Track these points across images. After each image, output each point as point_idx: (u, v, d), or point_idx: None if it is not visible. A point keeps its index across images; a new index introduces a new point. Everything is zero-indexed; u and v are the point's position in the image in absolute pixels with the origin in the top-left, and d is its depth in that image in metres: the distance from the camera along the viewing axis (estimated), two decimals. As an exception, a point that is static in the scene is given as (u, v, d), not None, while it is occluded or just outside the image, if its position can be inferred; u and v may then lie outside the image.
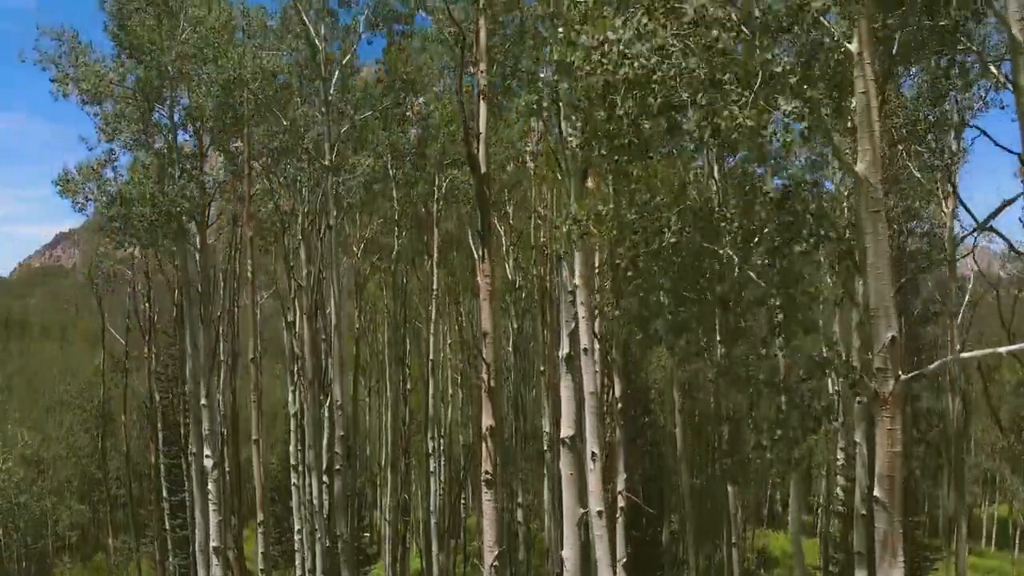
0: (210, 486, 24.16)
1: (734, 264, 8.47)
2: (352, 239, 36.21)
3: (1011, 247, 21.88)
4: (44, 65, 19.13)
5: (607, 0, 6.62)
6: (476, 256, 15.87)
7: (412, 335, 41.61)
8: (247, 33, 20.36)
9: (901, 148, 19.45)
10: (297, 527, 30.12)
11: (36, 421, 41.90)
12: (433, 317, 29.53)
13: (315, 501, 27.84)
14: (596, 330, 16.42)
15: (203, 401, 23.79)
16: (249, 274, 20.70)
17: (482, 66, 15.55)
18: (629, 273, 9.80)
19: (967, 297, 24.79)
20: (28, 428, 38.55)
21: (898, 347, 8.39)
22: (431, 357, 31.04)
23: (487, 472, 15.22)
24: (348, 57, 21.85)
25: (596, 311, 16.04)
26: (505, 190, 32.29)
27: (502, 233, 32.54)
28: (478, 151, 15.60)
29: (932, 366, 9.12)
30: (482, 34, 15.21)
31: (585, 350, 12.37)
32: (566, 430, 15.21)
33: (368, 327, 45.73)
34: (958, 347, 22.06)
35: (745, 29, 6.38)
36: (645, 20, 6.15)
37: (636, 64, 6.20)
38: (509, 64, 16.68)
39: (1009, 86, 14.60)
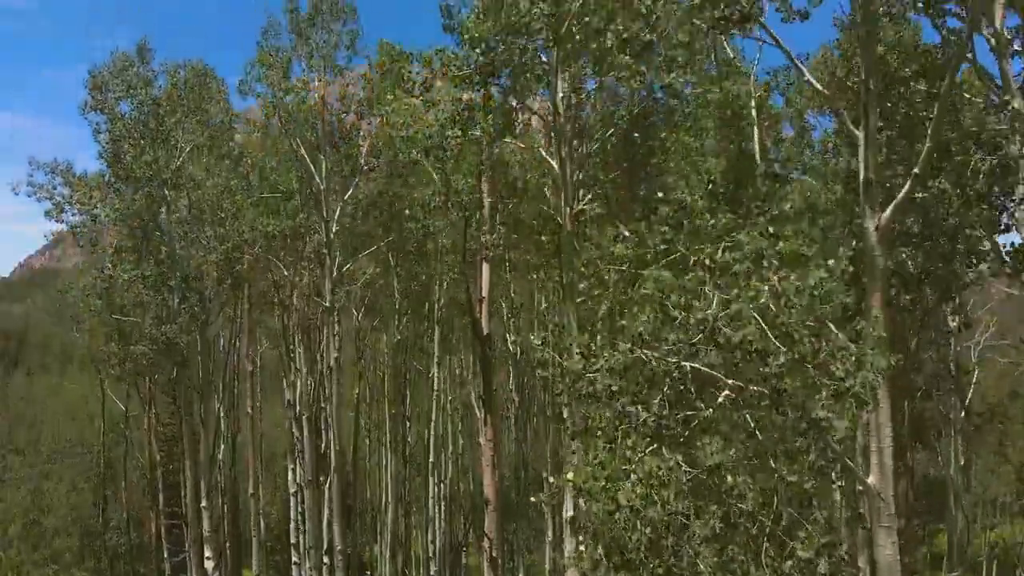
0: (211, 588, 24.15)
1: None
2: (352, 301, 35.96)
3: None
4: (39, 197, 19.03)
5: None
6: (479, 417, 15.70)
7: (413, 376, 41.27)
8: (246, 194, 20.01)
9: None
10: (299, 605, 30.15)
11: (38, 477, 41.78)
12: (433, 417, 29.27)
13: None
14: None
15: (203, 503, 23.73)
16: (248, 409, 20.48)
17: (486, 229, 15.36)
18: None
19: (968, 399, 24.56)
20: (31, 491, 38.59)
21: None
22: (432, 449, 30.82)
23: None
24: (350, 192, 21.44)
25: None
26: (506, 259, 32.06)
27: (502, 303, 32.31)
28: (481, 315, 15.44)
29: None
30: (486, 204, 15.03)
31: None
32: (569, 593, 15.12)
33: (369, 367, 45.52)
34: (961, 461, 21.94)
35: (759, 434, 6.27)
36: (656, 465, 6.03)
37: (648, 530, 6.10)
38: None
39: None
